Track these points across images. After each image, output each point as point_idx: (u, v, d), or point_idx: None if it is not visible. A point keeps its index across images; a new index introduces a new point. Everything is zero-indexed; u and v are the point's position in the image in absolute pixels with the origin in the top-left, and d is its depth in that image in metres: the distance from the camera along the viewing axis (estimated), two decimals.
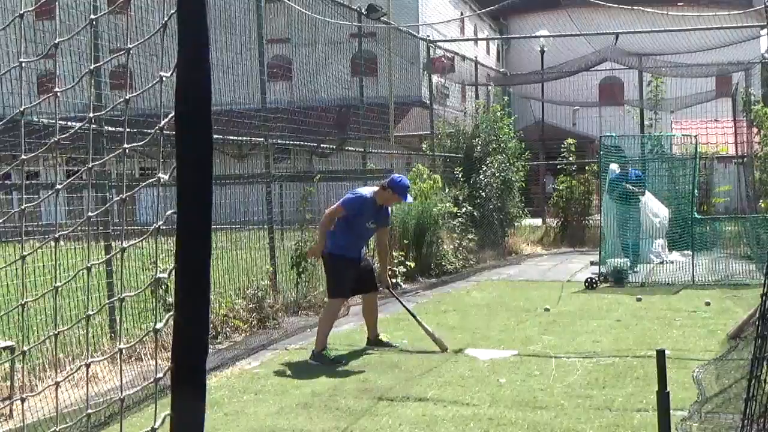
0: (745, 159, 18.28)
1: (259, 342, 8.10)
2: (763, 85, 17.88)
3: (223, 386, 6.50)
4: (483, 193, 15.43)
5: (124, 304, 7.33)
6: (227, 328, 8.32)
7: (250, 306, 8.70)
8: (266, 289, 9.06)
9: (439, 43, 17.66)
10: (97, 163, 2.08)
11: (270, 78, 10.65)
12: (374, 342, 7.85)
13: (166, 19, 1.59)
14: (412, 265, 12.16)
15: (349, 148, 13.27)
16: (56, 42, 1.97)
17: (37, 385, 5.94)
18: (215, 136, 10.04)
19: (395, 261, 11.93)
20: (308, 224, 10.17)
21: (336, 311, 7.71)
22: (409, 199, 8.15)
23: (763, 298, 3.79)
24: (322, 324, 7.47)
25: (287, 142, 10.95)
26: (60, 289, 6.34)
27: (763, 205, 14.89)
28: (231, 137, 10.07)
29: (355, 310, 9.40)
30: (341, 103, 13.48)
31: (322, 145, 12.63)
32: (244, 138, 10.07)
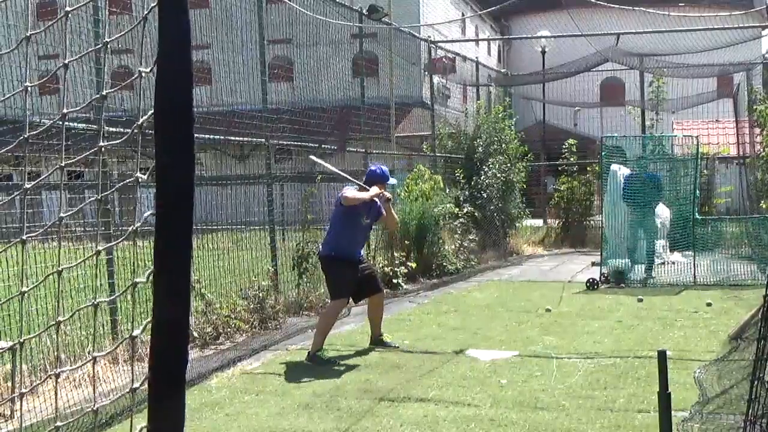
0: (747, 159, 18.26)
1: (261, 343, 8.10)
2: (765, 86, 17.86)
3: (225, 387, 6.50)
4: (484, 194, 15.43)
5: (126, 306, 7.33)
6: (229, 329, 8.32)
7: (252, 306, 8.70)
8: (267, 290, 9.07)
9: (440, 44, 17.66)
10: (71, 162, 2.03)
11: (271, 78, 10.65)
12: (376, 342, 7.86)
13: (146, 12, 1.57)
14: (414, 265, 12.16)
15: (351, 149, 13.27)
16: (28, 35, 1.96)
17: (38, 386, 5.93)
18: (216, 136, 10.05)
19: (396, 261, 11.94)
20: (309, 225, 10.18)
21: (336, 313, 7.72)
22: (392, 181, 8.19)
23: (765, 298, 3.78)
24: (320, 325, 7.48)
25: (288, 142, 10.96)
26: (62, 290, 6.32)
27: (764, 206, 14.87)
28: (232, 138, 10.07)
29: (356, 311, 9.40)
30: (342, 104, 13.48)
31: (323, 146, 12.63)
32: (246, 138, 10.08)
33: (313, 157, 8.33)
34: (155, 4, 1.41)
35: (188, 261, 1.42)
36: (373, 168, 7.98)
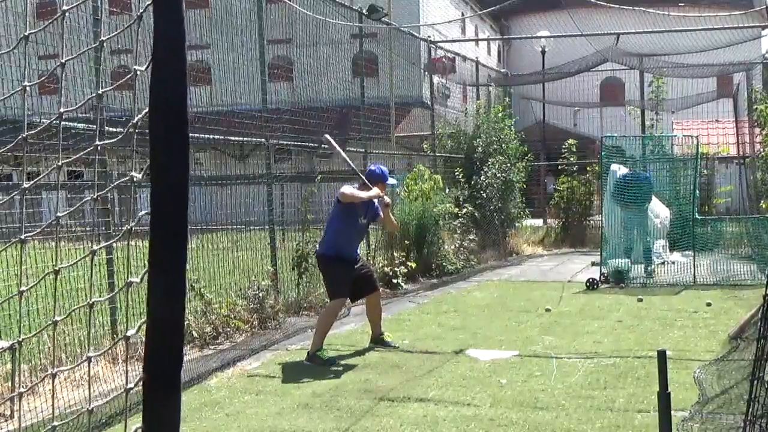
0: (747, 159, 18.27)
1: (260, 342, 8.10)
2: (765, 86, 17.86)
3: (224, 387, 6.50)
4: (484, 194, 15.43)
5: (126, 305, 7.33)
6: (228, 329, 8.32)
7: (251, 306, 8.71)
8: (267, 290, 9.07)
9: (440, 44, 17.66)
10: (69, 161, 2.02)
11: (271, 78, 10.65)
12: (377, 341, 7.86)
13: (141, 11, 1.56)
14: (413, 265, 12.16)
15: (350, 149, 13.26)
16: (26, 34, 1.95)
17: (37, 386, 5.94)
18: (216, 136, 10.03)
19: (396, 261, 11.93)
20: (309, 225, 10.18)
21: (336, 312, 7.73)
22: (392, 181, 8.21)
23: (765, 298, 3.78)
24: (320, 325, 7.48)
25: (288, 142, 10.96)
26: (61, 290, 6.31)
27: (764, 206, 14.88)
28: (232, 138, 10.07)
29: (356, 311, 9.40)
30: (342, 104, 13.49)
31: (323, 146, 12.64)
32: (245, 138, 10.08)
33: (327, 136, 8.28)
34: (150, 2, 1.41)
35: (183, 261, 1.42)
36: (372, 168, 7.99)
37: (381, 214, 7.81)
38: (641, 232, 12.60)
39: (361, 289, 7.80)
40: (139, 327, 1.48)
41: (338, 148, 8.14)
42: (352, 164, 8.05)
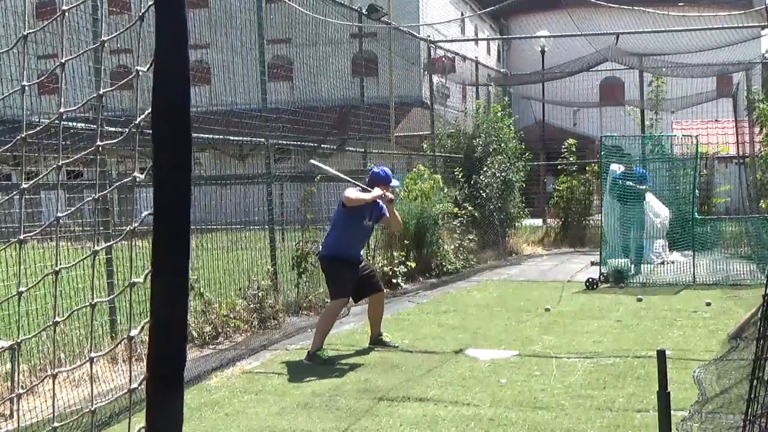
0: (747, 159, 18.27)
1: (260, 342, 8.10)
2: (764, 86, 17.86)
3: (224, 386, 6.50)
4: (483, 194, 15.43)
5: (125, 306, 7.33)
6: (228, 329, 8.32)
7: (251, 306, 8.71)
8: (267, 290, 9.07)
9: (440, 44, 17.65)
10: (69, 161, 2.03)
11: (270, 78, 10.65)
12: (375, 341, 7.86)
13: (143, 11, 1.57)
14: (413, 265, 12.16)
15: (350, 149, 13.27)
16: (25, 34, 1.96)
17: (37, 386, 5.93)
18: (215, 136, 10.02)
19: (396, 261, 11.94)
20: (309, 224, 10.17)
21: (336, 312, 7.72)
22: (395, 183, 8.17)
23: (765, 298, 3.78)
24: (320, 325, 7.48)
25: (288, 142, 10.96)
26: (61, 290, 6.31)
27: (763, 206, 14.88)
28: (231, 137, 10.07)
29: (356, 311, 9.40)
30: (342, 104, 13.48)
31: (322, 146, 12.64)
32: (245, 138, 10.07)
33: (313, 161, 8.33)
34: (152, 2, 1.41)
35: (186, 261, 1.42)
36: (376, 170, 7.97)
37: (386, 214, 7.79)
38: (637, 229, 12.62)
39: (364, 289, 7.80)
40: (143, 327, 1.48)
41: (326, 168, 8.17)
42: (346, 177, 8.06)
